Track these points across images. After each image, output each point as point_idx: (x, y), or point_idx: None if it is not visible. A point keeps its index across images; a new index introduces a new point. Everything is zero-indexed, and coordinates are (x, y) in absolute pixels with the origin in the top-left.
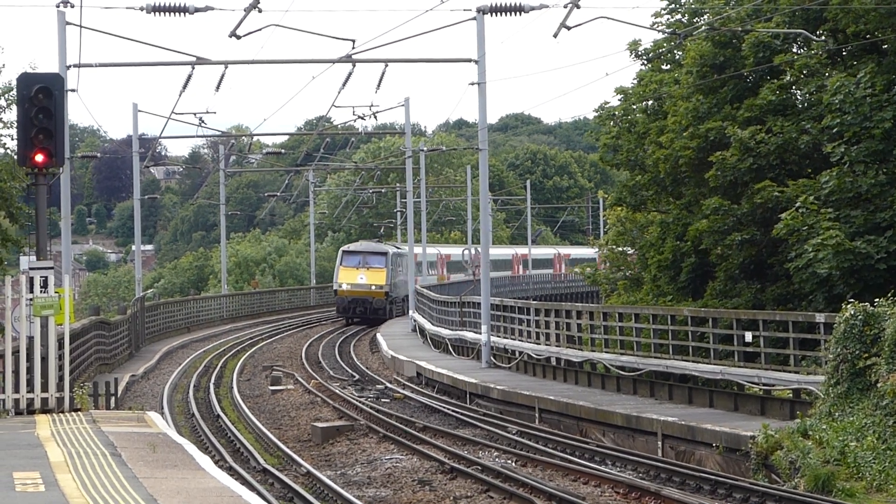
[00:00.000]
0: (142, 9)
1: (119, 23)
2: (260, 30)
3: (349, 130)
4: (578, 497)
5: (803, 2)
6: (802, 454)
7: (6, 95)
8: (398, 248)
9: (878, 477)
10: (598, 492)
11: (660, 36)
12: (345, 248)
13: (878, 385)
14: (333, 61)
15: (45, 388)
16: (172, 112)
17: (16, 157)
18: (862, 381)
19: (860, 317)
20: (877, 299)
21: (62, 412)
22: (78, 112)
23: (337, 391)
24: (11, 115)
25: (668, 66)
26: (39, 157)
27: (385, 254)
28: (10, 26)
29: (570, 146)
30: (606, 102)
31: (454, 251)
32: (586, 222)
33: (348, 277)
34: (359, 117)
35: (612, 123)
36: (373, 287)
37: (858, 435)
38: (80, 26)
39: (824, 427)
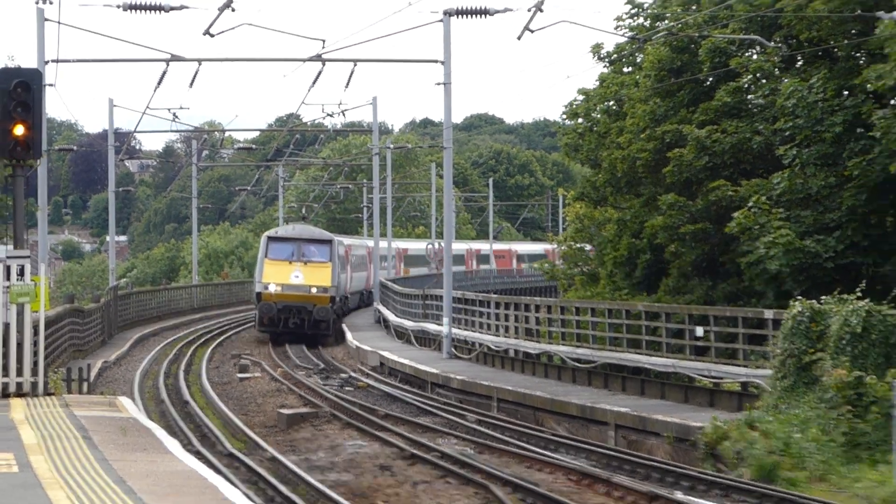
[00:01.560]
0: (119, 6)
1: (96, 20)
2: (233, 28)
3: (318, 128)
4: (532, 483)
5: (759, 9)
6: (748, 445)
7: None
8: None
9: (821, 467)
10: (551, 478)
11: (621, 39)
12: (270, 233)
13: (823, 379)
14: (304, 60)
15: (19, 373)
16: (147, 107)
17: None
18: (807, 376)
19: (807, 314)
20: (823, 297)
21: (36, 396)
22: (55, 106)
23: (302, 379)
24: None
25: (629, 69)
26: (19, 140)
27: (329, 242)
28: None
29: (532, 146)
30: (575, 100)
31: (412, 245)
32: (546, 219)
33: (277, 275)
34: (328, 115)
35: (578, 120)
36: (313, 290)
37: (802, 427)
38: (59, 23)
39: (770, 419)
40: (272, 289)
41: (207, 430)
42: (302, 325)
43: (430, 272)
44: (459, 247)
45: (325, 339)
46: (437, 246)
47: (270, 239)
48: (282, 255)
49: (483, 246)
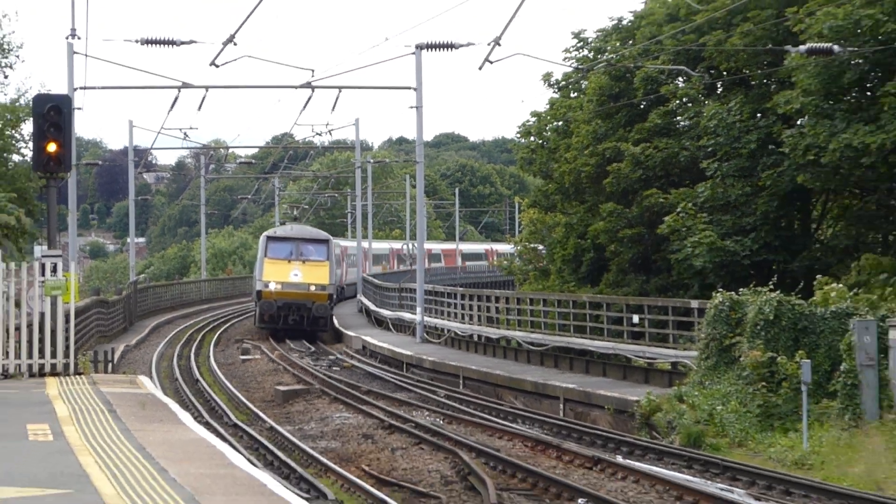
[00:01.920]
0: (137, 41)
1: (117, 52)
2: (235, 60)
3: (308, 145)
4: (494, 449)
5: (685, 43)
6: (678, 416)
7: (21, 111)
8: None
9: (740, 435)
10: (510, 445)
11: (568, 69)
12: (270, 233)
13: (741, 360)
14: (296, 87)
15: (53, 355)
16: (162, 128)
17: (32, 163)
18: (727, 356)
19: (727, 303)
20: (741, 289)
21: (67, 375)
22: (83, 126)
23: (296, 361)
24: (27, 128)
25: (575, 94)
26: (52, 156)
27: (326, 242)
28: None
29: (492, 160)
30: (528, 121)
31: (381, 245)
32: (505, 223)
33: (277, 274)
34: (317, 134)
35: (531, 138)
36: (312, 287)
37: (724, 400)
38: (86, 55)
39: (696, 394)
40: (272, 287)
41: (215, 404)
42: (301, 322)
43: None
44: (382, 246)
45: (322, 335)
46: (411, 246)
47: (270, 239)
48: (281, 255)
49: (434, 246)
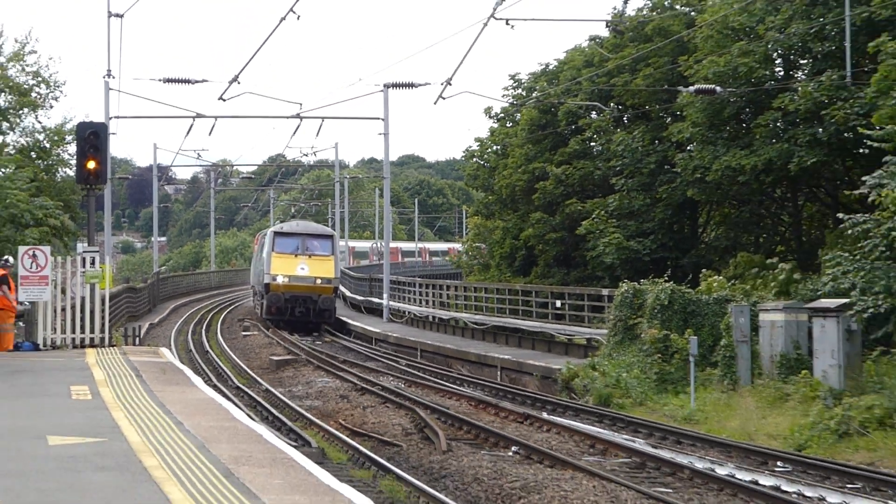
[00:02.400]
0: (160, 80)
1: (144, 88)
2: (238, 95)
3: (297, 164)
4: (444, 407)
5: (598, 84)
6: (591, 381)
7: (66, 134)
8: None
9: (640, 396)
10: (457, 404)
11: (506, 104)
12: (276, 228)
13: (641, 336)
14: (287, 117)
15: (91, 331)
16: (180, 149)
17: (75, 177)
18: (631, 334)
19: (631, 292)
20: (642, 280)
21: (103, 347)
22: (115, 147)
23: (287, 336)
24: (71, 148)
25: (510, 125)
26: (91, 172)
27: (330, 237)
28: (68, 86)
29: (445, 176)
30: (472, 146)
31: (364, 244)
32: (455, 227)
33: (284, 267)
34: (304, 154)
35: (474, 159)
36: (318, 281)
37: (628, 368)
38: (119, 91)
39: (606, 363)
40: (280, 280)
41: (221, 371)
42: (307, 314)
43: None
44: (364, 245)
45: (325, 325)
46: (378, 245)
47: (277, 234)
48: (287, 249)
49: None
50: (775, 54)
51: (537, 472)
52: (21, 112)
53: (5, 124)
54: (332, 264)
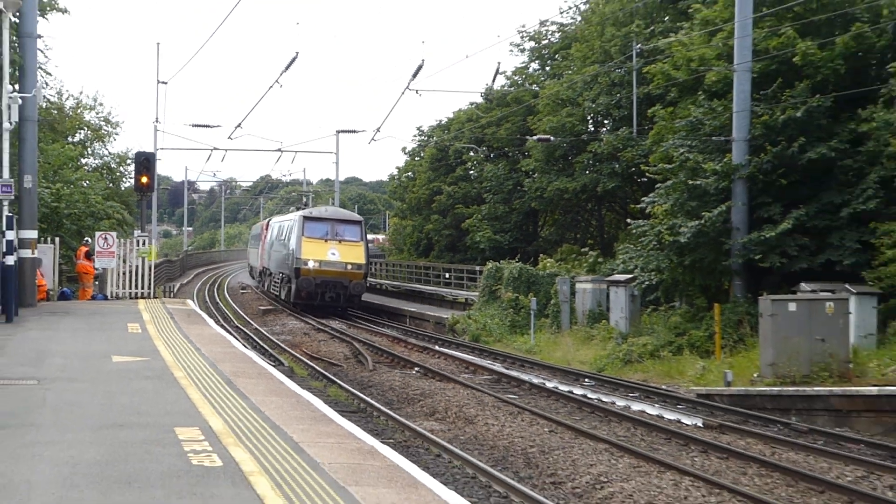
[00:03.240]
0: (190, 125)
1: (179, 128)
2: (241, 136)
3: (278, 181)
4: (372, 342)
5: (476, 132)
6: (468, 325)
7: (126, 158)
8: None
9: (499, 336)
10: (380, 340)
11: (415, 145)
12: (306, 213)
13: (500, 297)
14: (272, 150)
15: (141, 287)
16: (202, 170)
17: (133, 187)
18: (494, 296)
19: (494, 268)
20: (502, 261)
21: (149, 299)
22: (160, 167)
23: (271, 291)
24: (130, 168)
25: (419, 158)
26: (144, 184)
27: (359, 223)
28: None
29: (376, 191)
30: (392, 173)
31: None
32: (381, 225)
33: (315, 252)
34: (283, 175)
35: (395, 180)
36: (349, 266)
37: (491, 318)
38: (163, 131)
39: (477, 314)
40: (311, 265)
41: (227, 315)
42: (338, 299)
43: None
44: None
45: (353, 308)
46: None
47: (306, 218)
48: (317, 234)
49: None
50: (589, 116)
51: (431, 384)
52: (95, 143)
53: (87, 152)
54: (363, 250)
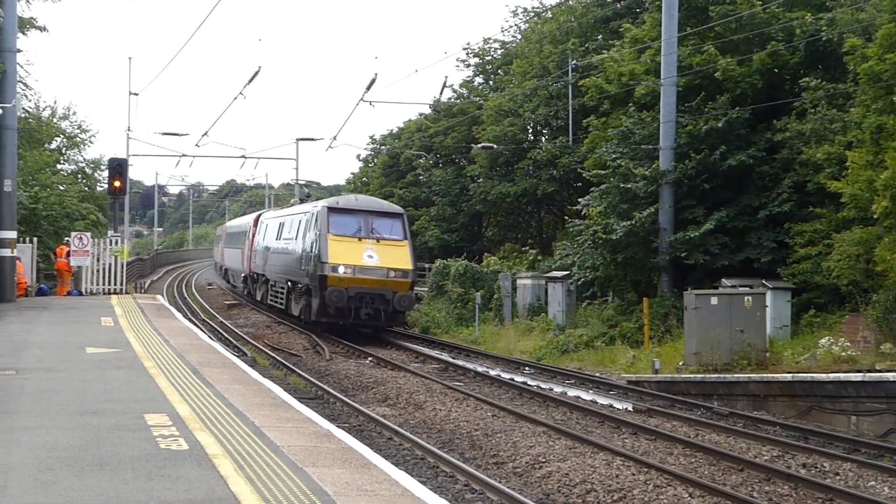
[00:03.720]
0: (159, 133)
1: (149, 136)
2: (207, 143)
3: (243, 185)
4: (327, 335)
5: (425, 141)
6: (419, 318)
7: (100, 163)
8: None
9: (447, 328)
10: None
11: (369, 152)
12: (330, 202)
13: (448, 292)
14: (236, 157)
15: (114, 284)
16: (171, 175)
17: (106, 190)
18: (442, 290)
19: (442, 265)
20: (450, 259)
21: (121, 294)
22: (132, 172)
23: (236, 290)
24: (104, 174)
25: (373, 164)
26: (117, 188)
27: (401, 216)
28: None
29: (334, 195)
30: (348, 178)
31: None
32: None
33: (347, 255)
34: (247, 179)
35: (350, 185)
36: (391, 273)
37: (440, 311)
38: (135, 139)
39: (427, 308)
40: (342, 271)
41: (194, 310)
42: (377, 316)
43: None
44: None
45: (398, 326)
46: None
47: (332, 210)
48: (348, 231)
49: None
50: (529, 126)
51: (384, 373)
52: (70, 150)
53: (63, 158)
54: (408, 251)
